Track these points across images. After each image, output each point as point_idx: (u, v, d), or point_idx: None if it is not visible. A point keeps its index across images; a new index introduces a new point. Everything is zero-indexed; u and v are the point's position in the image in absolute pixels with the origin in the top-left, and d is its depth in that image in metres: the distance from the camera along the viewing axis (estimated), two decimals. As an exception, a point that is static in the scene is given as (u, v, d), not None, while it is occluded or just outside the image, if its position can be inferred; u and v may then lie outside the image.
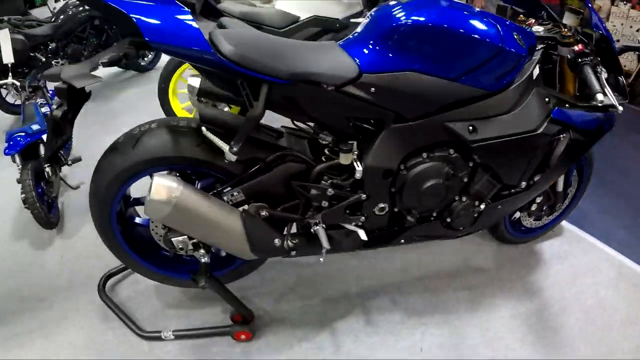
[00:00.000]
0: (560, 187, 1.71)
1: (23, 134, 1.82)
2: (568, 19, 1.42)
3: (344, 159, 1.28)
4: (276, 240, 1.36)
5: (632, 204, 2.32)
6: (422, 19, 1.20)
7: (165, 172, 1.33)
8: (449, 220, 1.47)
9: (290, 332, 1.60)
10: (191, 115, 2.50)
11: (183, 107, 2.57)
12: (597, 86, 1.26)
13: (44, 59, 2.75)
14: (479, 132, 1.30)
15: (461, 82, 1.25)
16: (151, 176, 1.47)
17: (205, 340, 1.56)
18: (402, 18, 1.21)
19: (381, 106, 1.24)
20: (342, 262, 1.87)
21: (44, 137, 1.87)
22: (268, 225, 1.35)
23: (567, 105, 1.40)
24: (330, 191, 1.32)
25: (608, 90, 1.28)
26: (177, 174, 1.35)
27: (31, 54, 2.66)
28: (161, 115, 2.59)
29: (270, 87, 1.16)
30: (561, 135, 1.41)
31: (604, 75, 1.35)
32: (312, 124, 1.42)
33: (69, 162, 1.99)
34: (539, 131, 1.36)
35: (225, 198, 1.33)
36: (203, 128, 1.23)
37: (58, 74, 1.12)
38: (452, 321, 1.64)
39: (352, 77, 1.19)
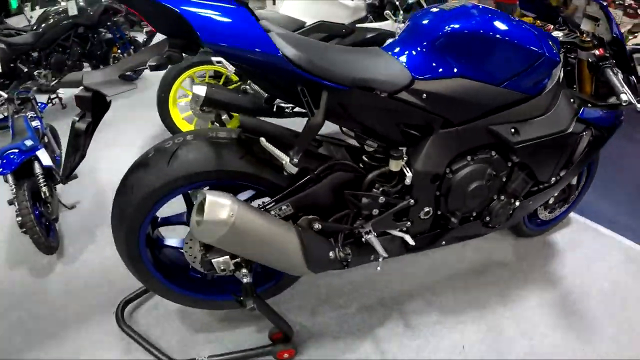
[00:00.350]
0: (574, 180, 1.81)
1: (17, 150, 1.62)
2: (586, 25, 1.51)
3: (394, 166, 1.27)
4: (331, 253, 1.31)
5: (628, 191, 2.52)
6: (473, 26, 1.22)
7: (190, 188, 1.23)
8: (487, 219, 1.50)
9: (333, 345, 1.55)
10: (191, 126, 2.38)
11: (183, 117, 2.44)
12: (620, 87, 1.36)
13: (25, 69, 2.47)
14: (521, 134, 1.36)
15: (505, 86, 1.29)
16: (185, 195, 1.36)
17: (245, 363, 1.47)
18: (452, 25, 1.22)
19: (431, 112, 1.24)
20: (369, 268, 1.84)
21: (38, 153, 1.68)
22: (323, 238, 1.30)
23: (589, 105, 1.49)
24: (382, 199, 1.30)
25: (627, 89, 1.38)
26: (209, 188, 1.26)
27: (11, 65, 2.38)
28: (155, 125, 2.43)
29: (329, 93, 1.11)
30: (584, 133, 1.50)
31: (620, 76, 1.45)
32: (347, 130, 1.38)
33: (64, 180, 1.81)
34: (569, 130, 1.44)
35: (272, 212, 1.26)
36: (262, 139, 1.15)
37: (79, 80, 1.01)
38: (486, 316, 1.68)
39: (406, 84, 1.19)
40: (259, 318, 1.58)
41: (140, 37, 3.38)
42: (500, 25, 1.25)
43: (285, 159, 1.13)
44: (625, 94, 1.34)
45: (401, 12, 2.57)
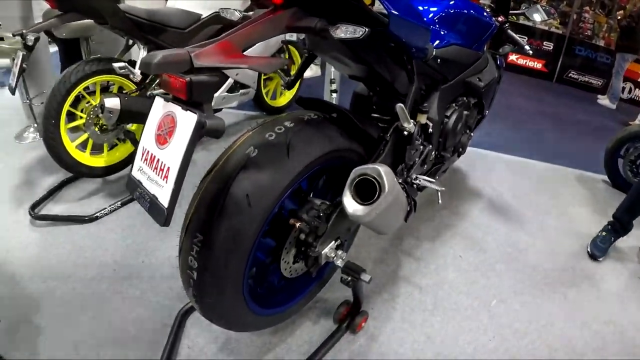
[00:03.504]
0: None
1: None
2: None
3: (423, 119, 1.43)
4: (410, 201, 1.39)
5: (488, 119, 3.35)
6: (460, 7, 1.60)
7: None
8: (460, 149, 1.87)
9: (379, 298, 1.59)
10: (85, 154, 1.87)
11: (76, 145, 1.90)
12: (521, 40, 1.97)
13: None
14: (482, 81, 1.78)
15: (473, 49, 1.70)
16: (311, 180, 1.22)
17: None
18: (447, 7, 1.56)
19: (441, 72, 1.52)
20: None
21: None
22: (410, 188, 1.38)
23: (496, 55, 2.06)
24: (421, 147, 1.46)
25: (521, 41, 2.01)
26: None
27: None
28: (34, 166, 1.75)
29: (415, 61, 1.26)
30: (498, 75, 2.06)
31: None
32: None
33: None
34: (496, 75, 1.97)
35: None
36: (400, 104, 1.17)
37: (188, 59, 0.79)
38: (458, 232, 2.06)
39: (433, 52, 1.39)
40: (306, 312, 1.48)
41: None
42: (472, 6, 1.66)
43: (410, 120, 1.21)
44: (527, 45, 1.96)
45: None
